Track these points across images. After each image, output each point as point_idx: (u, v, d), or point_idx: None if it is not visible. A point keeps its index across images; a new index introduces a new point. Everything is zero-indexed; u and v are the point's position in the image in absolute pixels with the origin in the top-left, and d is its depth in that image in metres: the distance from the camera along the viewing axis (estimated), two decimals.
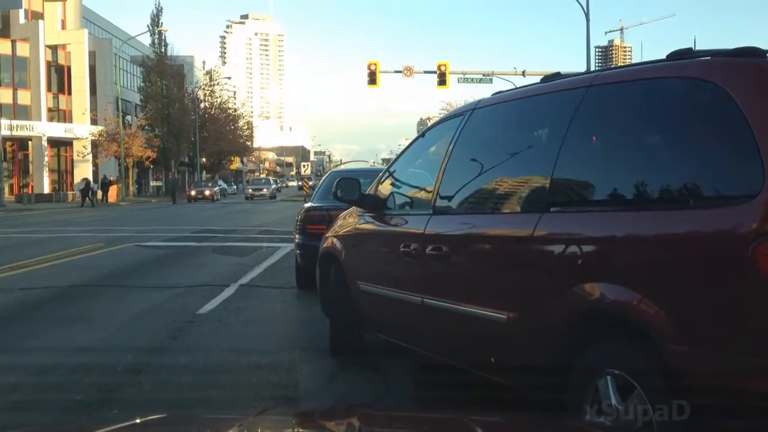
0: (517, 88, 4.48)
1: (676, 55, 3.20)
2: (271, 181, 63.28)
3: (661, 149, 3.14)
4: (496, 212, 3.97)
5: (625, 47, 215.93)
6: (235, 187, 69.63)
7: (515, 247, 3.64)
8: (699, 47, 3.78)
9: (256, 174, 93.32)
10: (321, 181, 12.32)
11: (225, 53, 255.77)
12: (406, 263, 4.48)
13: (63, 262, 12.91)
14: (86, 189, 43.82)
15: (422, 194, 4.80)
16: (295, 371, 5.40)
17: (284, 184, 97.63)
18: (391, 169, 5.39)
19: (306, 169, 76.03)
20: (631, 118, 3.32)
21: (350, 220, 5.58)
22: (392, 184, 5.23)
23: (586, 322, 3.10)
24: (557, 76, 4.00)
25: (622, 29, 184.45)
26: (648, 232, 2.92)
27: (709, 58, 3.03)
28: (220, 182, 61.62)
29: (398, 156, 5.66)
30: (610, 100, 3.43)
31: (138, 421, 2.19)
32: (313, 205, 9.35)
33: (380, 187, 5.30)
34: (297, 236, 9.18)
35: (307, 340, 6.48)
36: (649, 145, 3.23)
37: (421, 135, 5.29)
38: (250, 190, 56.87)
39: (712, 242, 2.67)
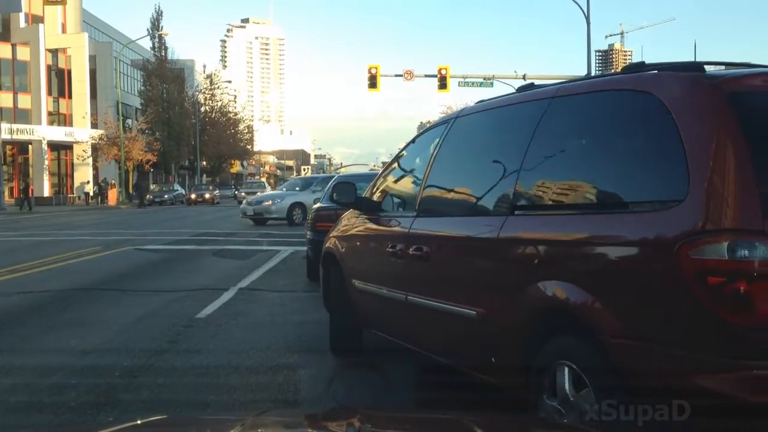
0: (494, 98, 4.67)
1: (630, 69, 3.42)
2: (266, 185, 61.09)
3: (606, 157, 3.35)
4: (470, 215, 4.23)
5: (625, 51, 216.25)
6: (235, 191, 68.87)
7: (484, 247, 3.92)
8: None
9: (257, 177, 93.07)
10: (330, 184, 13.15)
11: (225, 57, 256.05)
12: (392, 262, 4.73)
13: (62, 265, 12.86)
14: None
15: (410, 197, 5.04)
16: (294, 377, 5.34)
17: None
18: (385, 173, 5.69)
19: (306, 173, 75.84)
20: (582, 128, 3.58)
21: (349, 221, 5.82)
22: (385, 187, 5.50)
23: (541, 317, 3.33)
24: (531, 86, 4.19)
25: (622, 33, 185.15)
26: (590, 234, 3.17)
27: (655, 72, 3.22)
28: (176, 186, 56.93)
29: (392, 160, 5.89)
30: (567, 112, 3.66)
31: (139, 422, 2.19)
32: (323, 205, 10.24)
33: (375, 190, 5.58)
34: (308, 232, 10.32)
35: (306, 344, 6.42)
36: (596, 154, 3.45)
37: (412, 141, 5.55)
38: (243, 194, 51.72)
39: (644, 244, 2.87)
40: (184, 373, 5.46)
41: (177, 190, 55.48)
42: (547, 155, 3.67)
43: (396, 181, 5.46)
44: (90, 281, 10.62)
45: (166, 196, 51.65)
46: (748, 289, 2.54)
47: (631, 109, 3.23)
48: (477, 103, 4.76)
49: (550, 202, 3.58)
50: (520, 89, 4.27)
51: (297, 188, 25.23)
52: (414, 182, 5.03)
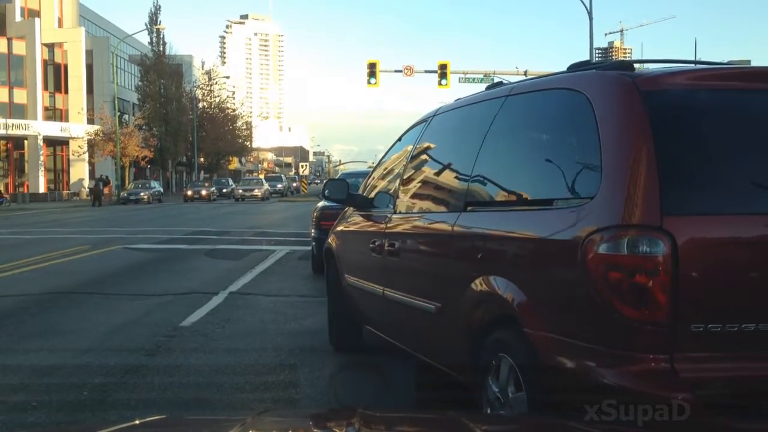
0: (466, 96, 4.70)
1: (573, 67, 3.53)
2: (263, 181, 59.52)
3: (541, 155, 3.46)
4: (435, 211, 4.35)
5: (624, 49, 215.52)
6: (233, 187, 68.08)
7: (440, 243, 4.06)
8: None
9: (255, 174, 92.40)
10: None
11: (224, 53, 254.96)
12: (373, 258, 4.87)
13: (46, 265, 12.29)
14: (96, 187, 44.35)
15: (391, 193, 5.11)
16: (283, 400, 4.77)
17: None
18: (376, 169, 5.86)
19: (304, 170, 75.29)
20: (525, 126, 3.73)
21: (347, 218, 5.93)
22: (375, 184, 5.63)
23: (484, 311, 3.40)
24: (500, 84, 4.28)
25: (621, 31, 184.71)
26: (519, 229, 3.29)
27: (592, 71, 3.29)
28: (153, 183, 52.35)
29: (382, 157, 5.97)
30: (515, 110, 3.75)
31: (137, 422, 2.19)
32: (327, 204, 10.01)
33: (368, 187, 5.73)
34: (313, 231, 10.75)
35: (299, 359, 5.83)
36: (533, 151, 3.57)
37: (399, 138, 5.57)
38: (240, 191, 51.96)
39: (559, 240, 2.94)
40: (159, 396, 4.86)
41: (154, 187, 51.04)
42: (495, 152, 3.78)
43: (382, 178, 5.55)
44: (71, 284, 10.00)
45: (142, 194, 46.72)
46: (646, 283, 2.60)
47: (565, 107, 3.29)
48: (455, 101, 4.86)
49: (493, 198, 3.72)
50: (488, 87, 4.38)
51: None
52: (395, 179, 5.11)
